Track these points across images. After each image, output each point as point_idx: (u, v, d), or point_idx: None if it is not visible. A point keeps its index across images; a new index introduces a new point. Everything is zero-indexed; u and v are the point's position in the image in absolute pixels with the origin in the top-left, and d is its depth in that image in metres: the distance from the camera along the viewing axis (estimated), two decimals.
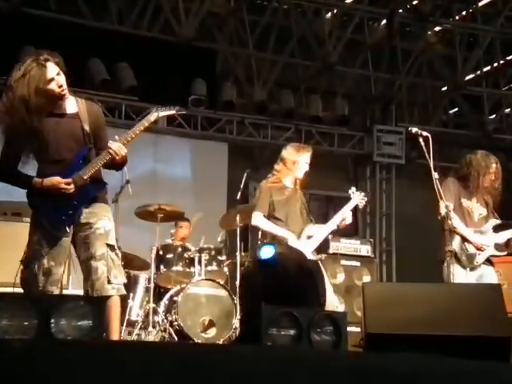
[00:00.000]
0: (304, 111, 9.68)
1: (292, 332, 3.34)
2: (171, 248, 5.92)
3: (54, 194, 3.41)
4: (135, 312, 5.76)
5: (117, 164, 3.54)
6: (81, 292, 3.55)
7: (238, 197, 6.14)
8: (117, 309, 3.47)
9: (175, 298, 5.52)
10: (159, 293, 5.88)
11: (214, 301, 5.54)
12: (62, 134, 3.47)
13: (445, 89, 10.54)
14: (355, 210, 4.88)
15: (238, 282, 5.48)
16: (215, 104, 9.18)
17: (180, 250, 5.90)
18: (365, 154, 10.27)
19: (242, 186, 6.16)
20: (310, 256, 4.59)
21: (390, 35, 9.73)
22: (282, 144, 5.93)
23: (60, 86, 3.43)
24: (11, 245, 4.59)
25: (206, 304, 5.53)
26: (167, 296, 5.68)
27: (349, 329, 3.67)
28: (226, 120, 9.42)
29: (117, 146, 3.46)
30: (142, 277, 5.93)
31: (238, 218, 5.74)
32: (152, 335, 5.44)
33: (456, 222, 4.56)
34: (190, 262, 5.84)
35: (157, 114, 3.67)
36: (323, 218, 5.14)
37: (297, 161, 4.72)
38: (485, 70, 10.31)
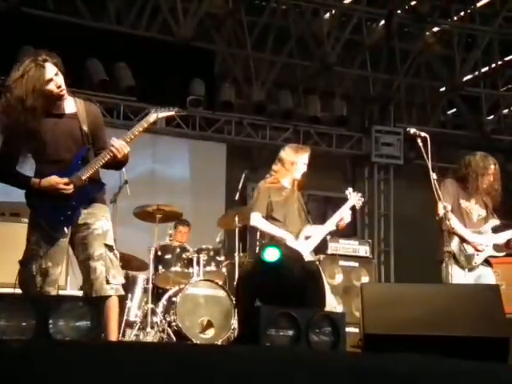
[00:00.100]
0: (302, 112, 9.68)
1: (290, 332, 3.34)
2: (170, 249, 5.92)
3: (53, 195, 3.41)
4: (133, 313, 5.76)
5: (118, 162, 3.53)
6: (79, 293, 3.55)
7: (237, 197, 6.15)
8: (115, 309, 3.47)
9: (174, 299, 5.52)
10: (157, 293, 5.88)
11: (213, 301, 5.54)
12: (61, 135, 3.47)
13: (443, 89, 10.55)
14: (353, 210, 4.88)
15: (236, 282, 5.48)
16: (213, 104, 9.18)
17: (178, 250, 5.90)
18: (363, 155, 10.28)
19: (240, 187, 6.16)
20: (308, 256, 4.59)
21: (388, 36, 9.73)
22: (281, 144, 5.93)
23: (59, 87, 3.42)
24: (10, 245, 4.58)
25: (204, 305, 5.53)
26: (166, 297, 5.68)
27: (347, 329, 3.68)
28: (225, 120, 9.42)
29: (119, 144, 3.45)
30: (141, 277, 5.93)
31: (236, 218, 5.74)
32: (150, 336, 5.44)
33: (454, 222, 4.57)
34: (189, 263, 5.84)
35: (156, 114, 3.66)
36: (321, 219, 5.13)
37: (295, 162, 4.72)
38: (483, 70, 10.33)
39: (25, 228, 3.53)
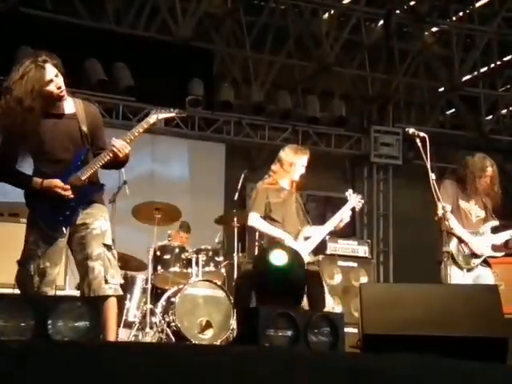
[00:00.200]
0: (301, 112, 9.69)
1: (289, 333, 3.33)
2: (168, 249, 5.92)
3: (52, 196, 3.41)
4: (132, 313, 5.76)
5: (119, 162, 3.54)
6: (77, 293, 3.55)
7: (236, 197, 6.15)
8: (114, 309, 3.47)
9: (172, 299, 5.52)
10: (156, 294, 5.87)
11: (212, 302, 5.54)
12: (60, 135, 3.47)
13: (442, 89, 10.56)
14: (352, 211, 4.87)
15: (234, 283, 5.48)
16: (212, 104, 9.19)
17: (177, 250, 5.90)
18: (362, 155, 10.28)
19: (239, 187, 6.16)
20: (307, 257, 4.59)
21: (387, 36, 9.74)
22: (280, 145, 5.95)
23: (58, 88, 3.43)
24: (8, 246, 4.58)
25: (203, 305, 5.53)
26: (164, 297, 5.68)
27: (346, 330, 3.67)
28: (224, 120, 9.43)
29: (121, 144, 3.46)
30: (140, 278, 5.92)
31: (235, 219, 5.74)
32: (149, 336, 5.43)
33: (453, 223, 4.57)
34: (188, 263, 5.84)
35: (156, 115, 3.66)
36: (320, 219, 5.14)
37: (294, 163, 4.71)
38: (482, 70, 10.33)
39: (23, 228, 3.53)
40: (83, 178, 3.46)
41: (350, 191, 4.95)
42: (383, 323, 3.37)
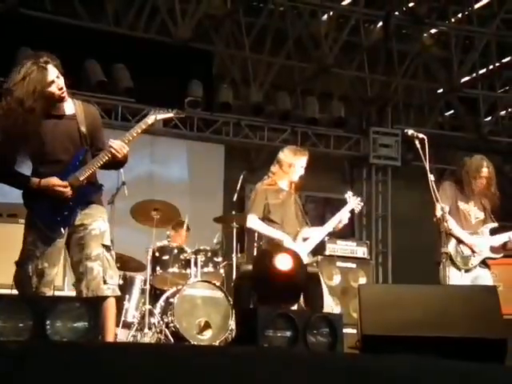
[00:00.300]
0: (300, 113, 9.69)
1: (288, 333, 3.34)
2: (167, 249, 5.91)
3: (50, 195, 3.41)
4: (131, 314, 5.75)
5: (118, 162, 3.54)
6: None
7: (235, 198, 6.15)
8: (112, 310, 3.47)
9: (171, 300, 5.51)
10: (155, 294, 5.87)
11: (210, 302, 5.53)
12: (59, 136, 3.47)
13: (441, 91, 10.56)
14: (351, 213, 4.88)
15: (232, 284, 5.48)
16: (212, 105, 9.18)
17: (176, 251, 5.89)
18: (361, 156, 10.29)
19: (238, 188, 6.16)
20: (306, 258, 4.59)
21: (386, 37, 9.74)
22: (279, 146, 5.95)
23: (60, 89, 3.43)
24: (7, 246, 4.57)
25: (202, 306, 5.52)
26: (163, 298, 5.68)
27: (345, 330, 3.67)
28: (223, 121, 9.42)
29: (119, 145, 3.46)
30: (138, 278, 5.92)
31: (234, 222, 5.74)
32: (148, 337, 5.43)
33: (451, 224, 4.57)
34: (186, 264, 5.84)
35: (154, 116, 3.66)
36: (319, 220, 5.15)
37: (293, 164, 4.72)
38: (481, 72, 10.34)
39: (22, 229, 3.53)
40: (81, 179, 3.46)
41: (350, 193, 4.95)
42: (382, 324, 3.37)
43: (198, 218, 7.62)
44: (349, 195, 4.91)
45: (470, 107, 10.66)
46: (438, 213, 4.40)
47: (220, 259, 5.97)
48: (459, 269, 4.65)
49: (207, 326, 5.45)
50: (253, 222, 4.63)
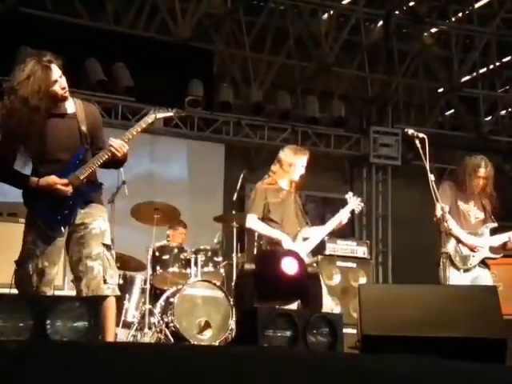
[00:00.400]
0: (300, 112, 9.69)
1: (288, 333, 3.34)
2: (167, 249, 5.92)
3: (50, 194, 3.40)
4: (131, 313, 5.75)
5: (118, 161, 3.53)
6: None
7: (235, 198, 6.15)
8: (112, 309, 3.47)
9: (171, 300, 5.51)
10: (155, 294, 5.87)
11: (210, 302, 5.53)
12: (60, 135, 3.47)
13: (441, 90, 10.56)
14: (352, 213, 4.88)
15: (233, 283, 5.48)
16: (212, 105, 9.18)
17: (176, 251, 5.89)
18: (361, 156, 10.29)
19: (238, 187, 6.16)
20: (306, 258, 4.59)
21: (386, 36, 9.74)
22: (279, 145, 5.95)
23: (63, 88, 3.43)
24: (7, 245, 4.57)
25: (202, 305, 5.52)
26: (163, 297, 5.68)
27: (345, 330, 3.67)
28: (223, 121, 9.42)
29: (118, 143, 3.46)
30: (138, 278, 5.92)
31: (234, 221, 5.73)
32: (148, 336, 5.43)
33: (451, 223, 4.57)
34: (187, 263, 5.84)
35: (154, 115, 3.66)
36: (319, 219, 5.15)
37: (293, 163, 4.71)
38: (481, 71, 10.33)
39: (22, 228, 3.53)
40: (81, 178, 3.46)
41: (350, 194, 4.95)
42: (382, 324, 3.37)
43: (198, 217, 7.64)
44: (349, 196, 4.91)
45: (470, 106, 10.66)
46: (438, 212, 4.40)
47: (220, 259, 5.97)
48: (458, 269, 4.65)
49: (207, 325, 5.45)
50: (252, 222, 4.63)
